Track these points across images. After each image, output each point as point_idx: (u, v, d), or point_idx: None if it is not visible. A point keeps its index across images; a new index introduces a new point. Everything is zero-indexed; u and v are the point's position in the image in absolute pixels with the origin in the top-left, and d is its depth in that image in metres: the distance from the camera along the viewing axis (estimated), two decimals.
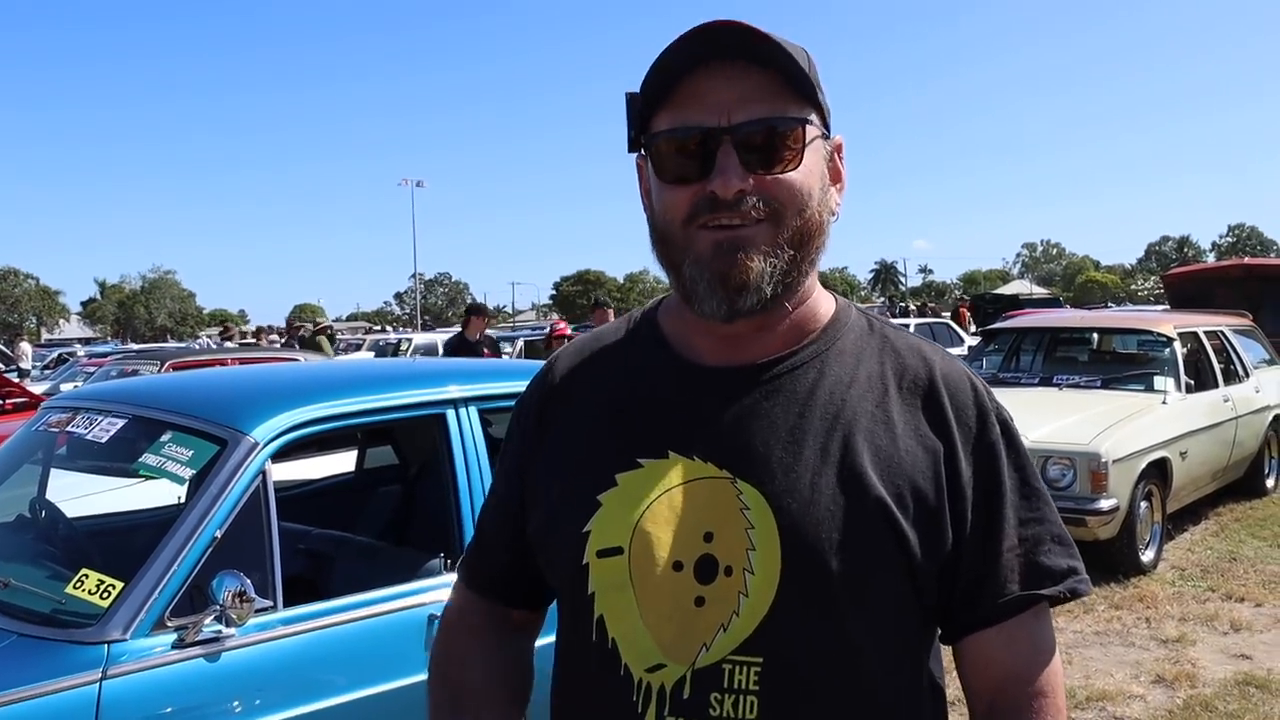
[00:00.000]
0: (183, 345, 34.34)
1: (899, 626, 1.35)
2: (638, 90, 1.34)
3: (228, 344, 18.96)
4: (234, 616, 2.69)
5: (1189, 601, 6.99)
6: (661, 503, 1.33)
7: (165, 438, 3.09)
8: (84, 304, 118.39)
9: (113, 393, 3.70)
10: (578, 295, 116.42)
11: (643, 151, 1.39)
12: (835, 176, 1.40)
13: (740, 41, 1.28)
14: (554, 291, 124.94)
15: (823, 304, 1.44)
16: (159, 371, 10.17)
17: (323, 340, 13.85)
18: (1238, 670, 5.79)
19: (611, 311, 12.51)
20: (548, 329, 16.80)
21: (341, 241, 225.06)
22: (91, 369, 15.08)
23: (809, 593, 1.28)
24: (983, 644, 1.37)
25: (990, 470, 1.37)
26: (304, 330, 15.33)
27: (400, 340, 26.99)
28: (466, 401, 3.54)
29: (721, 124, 1.28)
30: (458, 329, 12.64)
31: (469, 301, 15.98)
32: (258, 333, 25.90)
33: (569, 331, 13.67)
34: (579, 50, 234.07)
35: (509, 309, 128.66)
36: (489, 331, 12.88)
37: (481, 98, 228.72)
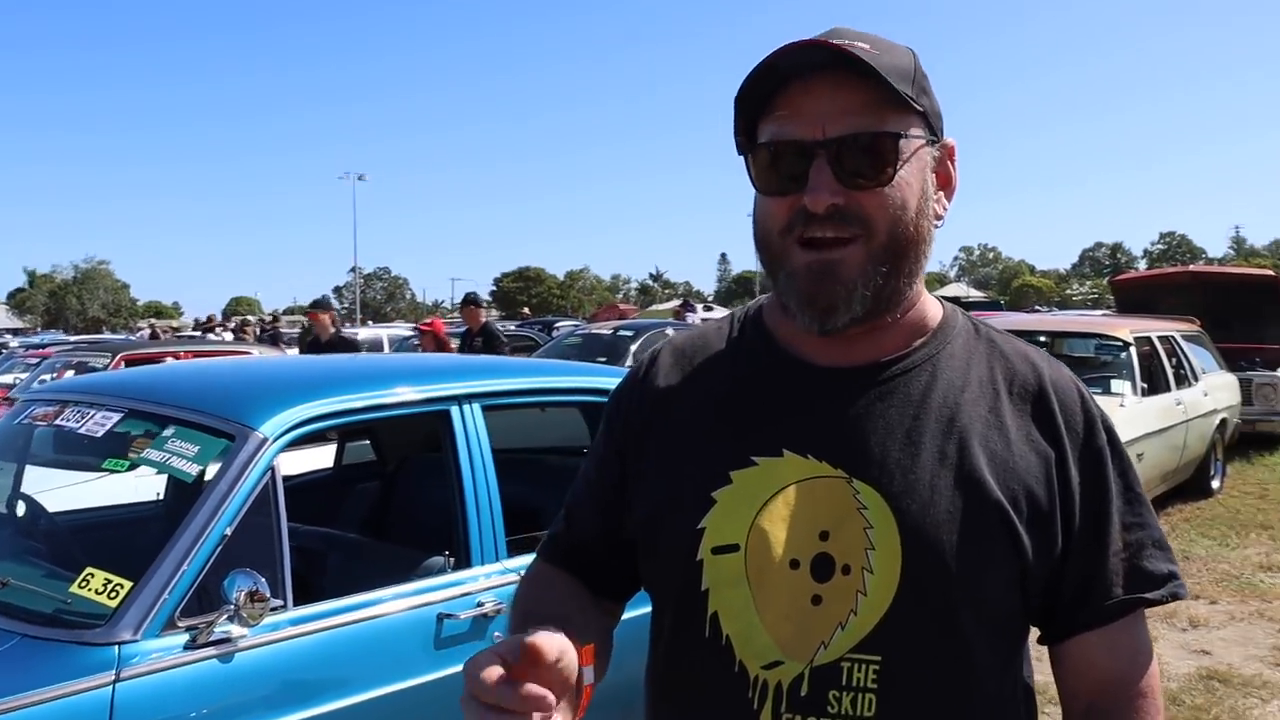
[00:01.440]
0: (127, 337, 33.70)
1: (1007, 627, 1.37)
2: (737, 94, 1.34)
3: (210, 336, 18.47)
4: (246, 616, 2.63)
5: None
6: (777, 501, 1.33)
7: (168, 432, 3.01)
8: (11, 294, 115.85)
9: (103, 385, 3.62)
10: (518, 291, 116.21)
11: (747, 160, 1.38)
12: (944, 181, 1.40)
13: (839, 54, 1.27)
14: (494, 287, 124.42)
15: (930, 308, 1.45)
16: (110, 364, 9.96)
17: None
18: (1200, 665, 5.92)
19: (483, 310, 11.94)
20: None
21: (280, 234, 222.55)
22: (34, 360, 14.70)
23: (928, 593, 1.28)
24: (1085, 646, 1.38)
25: (1097, 476, 1.38)
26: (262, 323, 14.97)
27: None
28: (470, 398, 3.50)
29: (816, 138, 1.28)
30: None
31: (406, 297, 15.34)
32: (243, 325, 25.39)
33: (444, 330, 12.79)
34: (521, 41, 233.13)
35: (448, 304, 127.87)
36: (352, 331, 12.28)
37: (424, 91, 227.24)
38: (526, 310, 60.73)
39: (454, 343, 12.00)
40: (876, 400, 1.36)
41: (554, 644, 1.10)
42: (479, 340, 11.12)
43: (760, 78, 1.31)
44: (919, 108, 1.32)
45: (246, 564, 2.66)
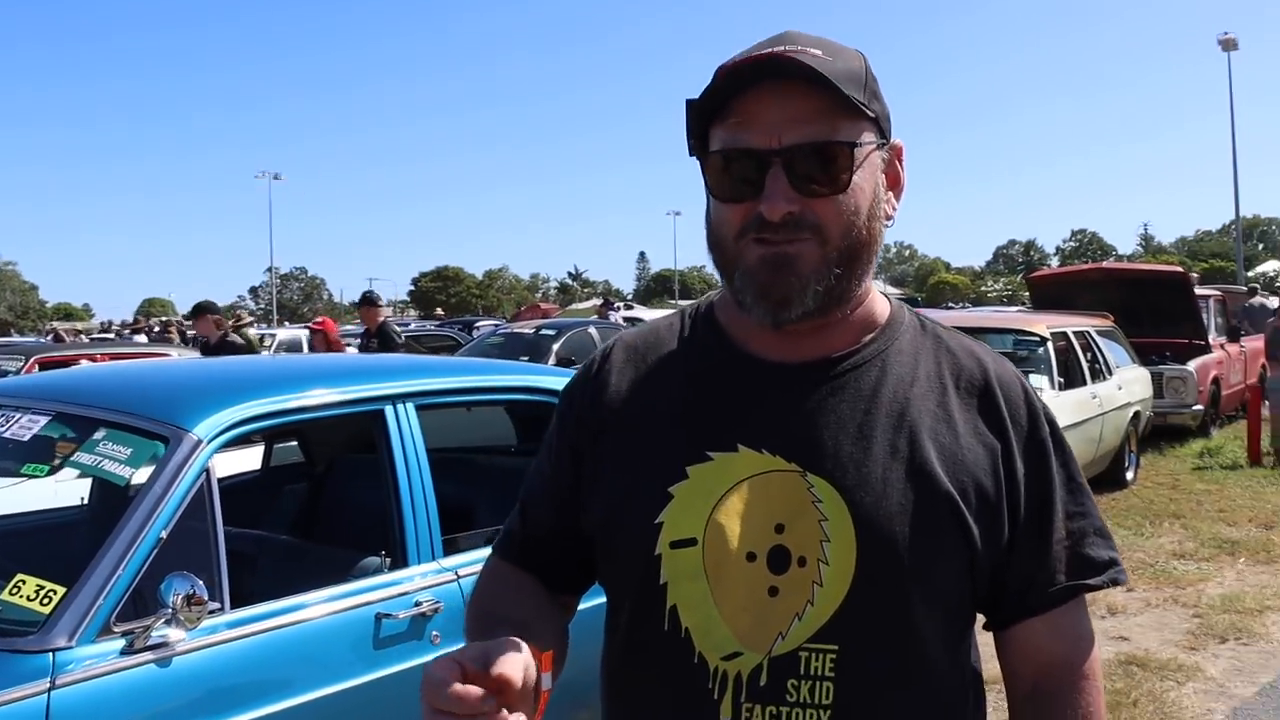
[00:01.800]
0: (38, 339, 32.74)
1: (957, 615, 1.41)
2: (695, 98, 1.36)
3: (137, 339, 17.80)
4: (184, 620, 2.59)
5: None
6: (733, 495, 1.35)
7: (99, 435, 2.97)
8: None
9: (29, 388, 3.55)
10: (436, 291, 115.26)
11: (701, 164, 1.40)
12: (893, 182, 1.44)
13: (790, 65, 1.30)
14: (412, 288, 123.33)
15: (878, 304, 1.48)
16: (24, 368, 9.72)
17: (248, 333, 13.01)
18: (1119, 651, 6.08)
19: (380, 309, 11.75)
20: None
21: (194, 235, 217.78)
22: None
23: (882, 583, 1.32)
24: (1029, 632, 1.43)
25: (1041, 467, 1.43)
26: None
27: (263, 335, 26.29)
28: (405, 397, 3.49)
29: (771, 146, 1.31)
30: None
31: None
32: (166, 326, 24.71)
33: (334, 328, 12.59)
34: (437, 41, 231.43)
35: None
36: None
37: (341, 91, 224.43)
38: (440, 311, 60.31)
39: (347, 343, 11.78)
40: (828, 395, 1.39)
41: (518, 666, 1.14)
42: (375, 340, 10.98)
43: (717, 83, 1.33)
44: (870, 113, 1.35)
45: (182, 568, 2.63)
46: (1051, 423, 1.47)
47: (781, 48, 1.31)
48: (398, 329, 12.20)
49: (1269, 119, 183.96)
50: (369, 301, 11.71)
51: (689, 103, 1.38)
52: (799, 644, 1.32)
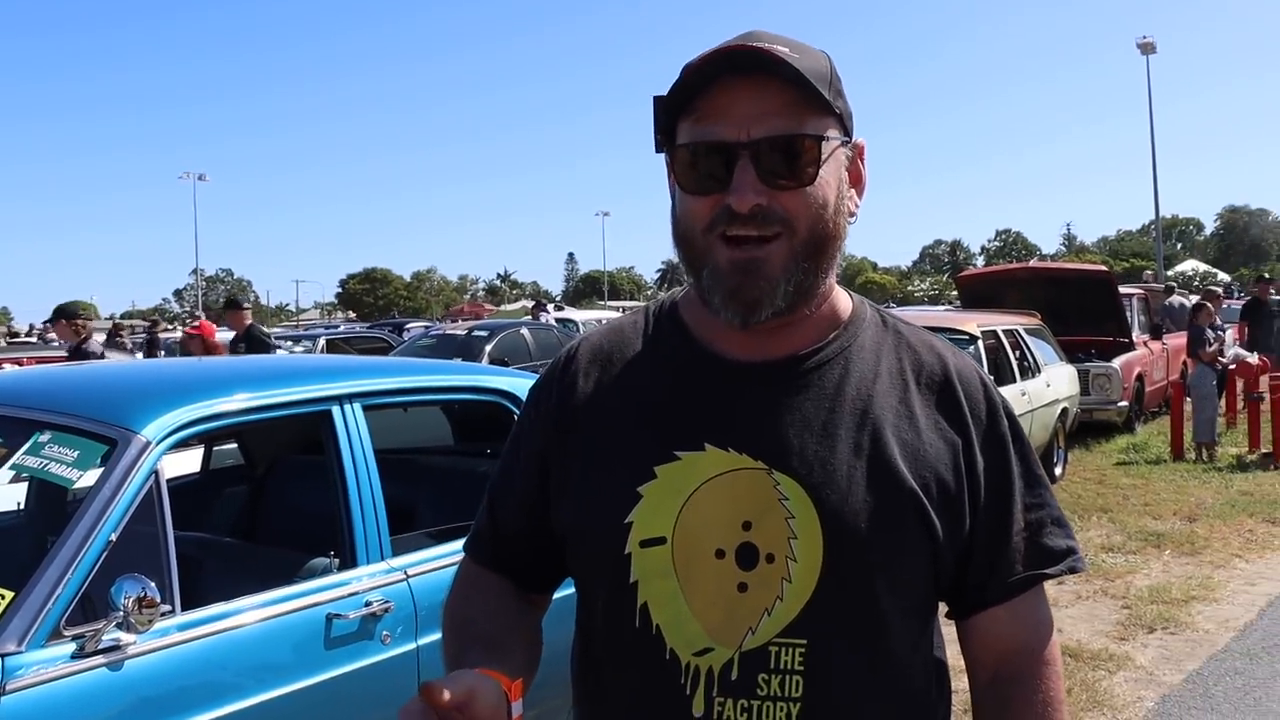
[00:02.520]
0: None
1: (921, 607, 1.45)
2: (662, 95, 1.39)
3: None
4: (135, 623, 2.57)
5: None
6: (701, 494, 1.38)
7: (44, 438, 2.93)
8: None
9: None
10: (364, 293, 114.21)
11: (669, 158, 1.43)
12: (856, 179, 1.47)
13: (760, 58, 1.33)
14: (339, 290, 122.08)
15: (841, 300, 1.51)
16: None
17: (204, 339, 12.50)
18: None
19: (247, 312, 11.00)
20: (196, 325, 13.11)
21: (117, 236, 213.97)
22: None
23: (849, 578, 1.35)
24: (991, 620, 1.47)
25: (1001, 460, 1.47)
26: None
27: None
28: (352, 398, 3.48)
29: (740, 139, 1.33)
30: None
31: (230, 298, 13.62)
32: (116, 328, 23.96)
33: (213, 331, 11.64)
34: (365, 40, 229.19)
35: (293, 307, 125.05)
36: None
37: (267, 90, 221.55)
38: (353, 314, 59.78)
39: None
40: (793, 394, 1.42)
41: (489, 709, 1.20)
42: (243, 345, 10.48)
43: (687, 78, 1.35)
44: (836, 110, 1.38)
45: (132, 570, 2.61)
46: (1010, 417, 1.51)
47: (751, 43, 1.34)
48: (266, 332, 11.63)
49: (1187, 121, 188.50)
50: (235, 305, 11.15)
51: (657, 98, 1.41)
52: (769, 639, 1.35)
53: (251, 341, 10.46)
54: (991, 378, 1.56)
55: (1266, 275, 16.17)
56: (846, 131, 1.42)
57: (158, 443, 2.88)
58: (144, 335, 22.67)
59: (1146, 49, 41.37)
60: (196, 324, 12.87)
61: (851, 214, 1.46)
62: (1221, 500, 10.11)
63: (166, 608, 2.70)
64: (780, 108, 1.34)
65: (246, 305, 11.26)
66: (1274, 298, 16.76)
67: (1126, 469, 12.04)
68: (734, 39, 1.39)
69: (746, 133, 1.33)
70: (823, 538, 1.35)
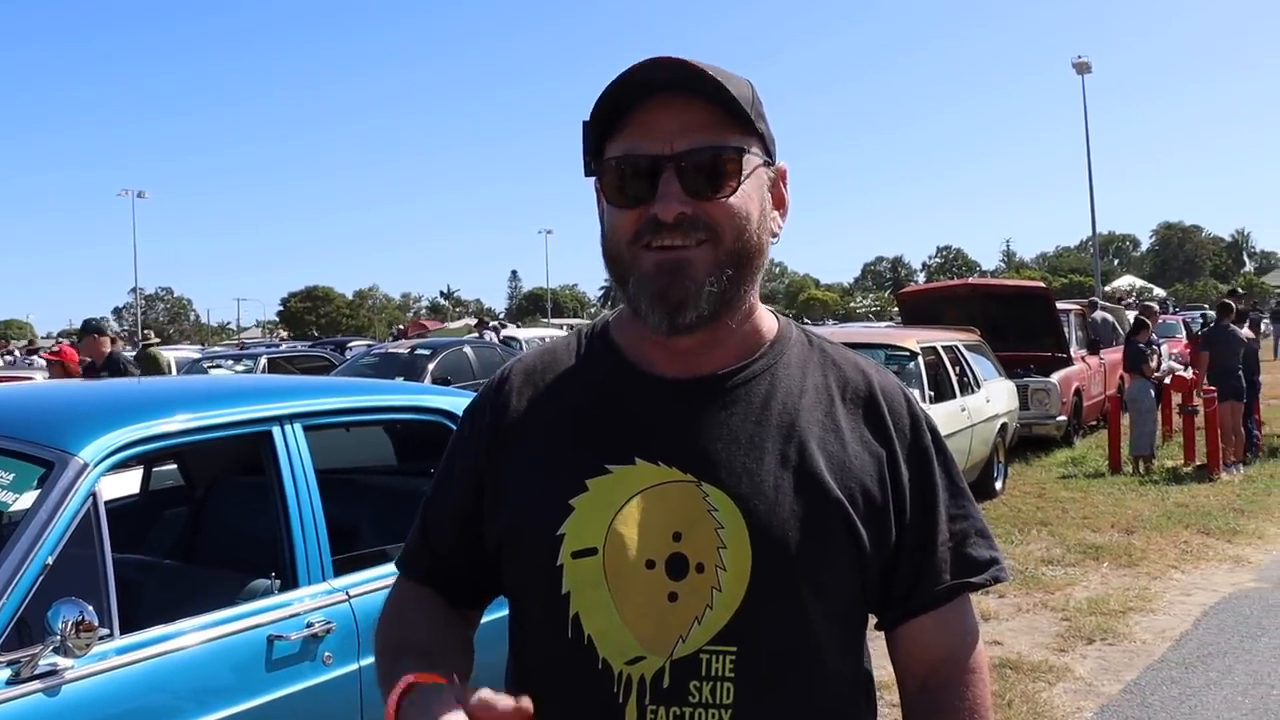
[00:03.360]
0: None
1: (848, 615, 1.48)
2: (588, 119, 1.43)
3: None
4: (73, 647, 2.55)
5: None
6: (632, 505, 1.41)
7: None
8: None
9: None
10: (306, 312, 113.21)
11: (596, 178, 1.47)
12: (779, 202, 1.52)
13: (684, 75, 1.38)
14: (281, 308, 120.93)
15: (766, 320, 1.56)
16: None
17: (157, 353, 11.78)
18: (993, 655, 6.25)
19: (108, 339, 9.74)
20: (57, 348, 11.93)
21: (53, 254, 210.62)
22: None
23: (777, 586, 1.39)
24: (918, 630, 1.51)
25: (924, 473, 1.51)
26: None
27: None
28: (292, 418, 3.47)
29: (665, 152, 1.38)
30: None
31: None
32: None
33: (74, 357, 10.14)
34: (304, 57, 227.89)
35: (234, 326, 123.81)
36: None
37: (206, 108, 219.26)
38: (284, 334, 59.23)
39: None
40: (721, 409, 1.46)
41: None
42: (104, 374, 9.06)
43: (612, 95, 1.40)
44: (758, 130, 1.44)
45: (70, 594, 2.59)
46: (933, 430, 1.55)
47: (679, 57, 1.38)
48: (129, 359, 10.37)
49: (1123, 138, 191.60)
50: (93, 330, 9.74)
51: (585, 123, 1.44)
52: (699, 646, 1.37)
53: (114, 369, 9.25)
54: (915, 394, 1.60)
55: (1240, 290, 15.92)
56: (769, 154, 1.48)
57: (96, 464, 2.86)
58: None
59: (1082, 68, 42.06)
60: (58, 348, 11.67)
61: (774, 234, 1.50)
62: (1158, 512, 10.29)
63: (104, 631, 2.67)
64: (704, 123, 1.39)
65: (108, 331, 10.03)
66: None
67: (1065, 483, 12.22)
68: (658, 57, 1.42)
69: (670, 146, 1.38)
70: (751, 547, 1.38)
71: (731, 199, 1.40)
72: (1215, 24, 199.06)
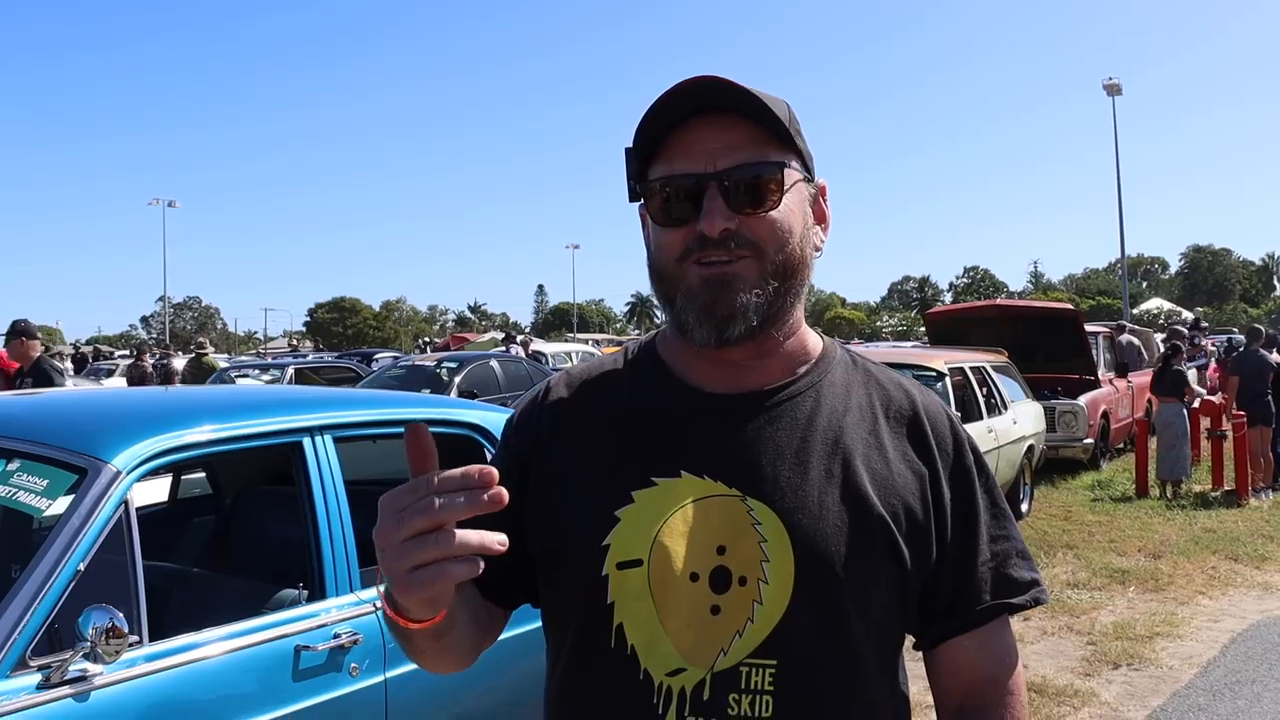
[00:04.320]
0: None
1: (888, 633, 1.48)
2: (631, 144, 1.46)
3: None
4: (102, 653, 2.56)
5: None
6: (677, 518, 1.42)
7: (12, 466, 2.92)
8: None
9: None
10: (333, 323, 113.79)
11: (641, 201, 1.50)
12: (820, 217, 1.54)
13: (724, 95, 1.40)
14: (308, 318, 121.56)
15: (811, 339, 1.57)
16: None
17: (214, 361, 11.47)
18: None
19: (37, 342, 8.96)
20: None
21: (84, 262, 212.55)
22: None
23: (819, 601, 1.39)
24: (957, 650, 1.51)
25: (966, 493, 1.52)
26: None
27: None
28: (322, 429, 3.49)
29: (708, 170, 1.41)
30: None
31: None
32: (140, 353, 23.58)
33: (14, 366, 9.03)
34: (338, 69, 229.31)
35: (261, 335, 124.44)
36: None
37: (240, 118, 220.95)
38: (308, 342, 59.41)
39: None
40: (766, 424, 1.47)
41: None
42: (29, 380, 8.64)
43: (653, 118, 1.42)
44: (797, 146, 1.46)
45: (100, 600, 2.60)
46: (975, 451, 1.56)
47: (717, 76, 1.40)
48: (58, 365, 9.67)
49: (1153, 161, 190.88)
50: (21, 333, 8.94)
51: (628, 150, 1.47)
52: (740, 659, 1.38)
53: (39, 377, 8.69)
54: (958, 415, 1.60)
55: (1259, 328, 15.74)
56: (808, 170, 1.50)
57: (128, 472, 2.88)
58: (158, 361, 22.44)
59: (1113, 90, 42.03)
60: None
61: (817, 248, 1.52)
62: (1186, 537, 10.21)
63: (134, 638, 2.69)
64: (745, 142, 1.42)
65: (37, 335, 9.29)
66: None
67: (1092, 506, 12.14)
68: (696, 77, 1.44)
69: (713, 164, 1.40)
70: (794, 561, 1.39)
71: (774, 213, 1.42)
72: (1247, 47, 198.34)
